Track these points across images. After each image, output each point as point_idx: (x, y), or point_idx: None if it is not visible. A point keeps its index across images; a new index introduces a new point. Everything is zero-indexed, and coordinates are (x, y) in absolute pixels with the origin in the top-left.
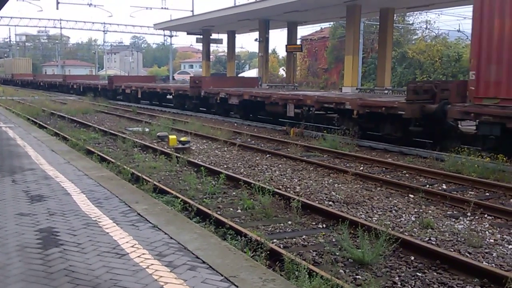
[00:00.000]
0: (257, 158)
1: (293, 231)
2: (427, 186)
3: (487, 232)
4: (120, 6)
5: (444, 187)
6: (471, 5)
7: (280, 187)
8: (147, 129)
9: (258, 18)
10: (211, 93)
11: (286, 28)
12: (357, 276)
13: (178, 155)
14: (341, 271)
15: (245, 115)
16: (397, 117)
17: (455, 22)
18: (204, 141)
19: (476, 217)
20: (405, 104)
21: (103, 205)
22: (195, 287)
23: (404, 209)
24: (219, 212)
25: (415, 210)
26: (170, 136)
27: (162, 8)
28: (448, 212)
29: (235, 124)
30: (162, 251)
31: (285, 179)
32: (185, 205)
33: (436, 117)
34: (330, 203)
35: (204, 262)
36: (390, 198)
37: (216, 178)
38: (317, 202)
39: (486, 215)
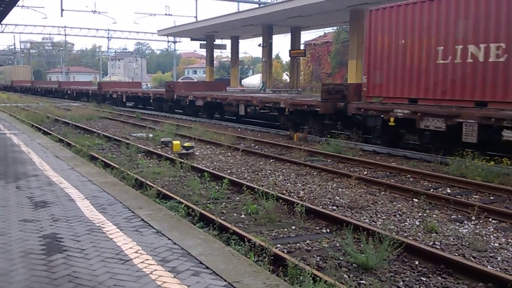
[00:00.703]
0: (261, 163)
1: (297, 236)
2: (431, 190)
3: (491, 236)
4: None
5: (449, 191)
6: None
7: (284, 192)
8: (151, 135)
9: (261, 24)
10: (182, 96)
11: (290, 33)
12: (361, 281)
13: (182, 160)
14: (345, 276)
15: (209, 114)
16: (315, 113)
17: None
18: (208, 146)
19: (481, 221)
20: (321, 103)
21: (107, 211)
22: None
23: (408, 213)
24: (222, 217)
25: (419, 214)
26: (174, 142)
27: (166, 14)
28: (453, 216)
29: (239, 129)
30: (166, 256)
31: (288, 184)
32: (189, 210)
33: (344, 112)
34: (334, 207)
35: (207, 268)
36: (394, 203)
37: (219, 183)
38: (321, 206)
39: (490, 219)
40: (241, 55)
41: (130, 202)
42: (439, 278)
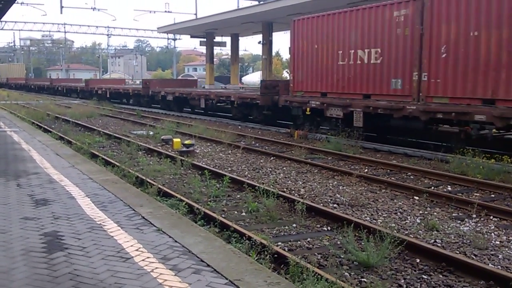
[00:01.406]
0: (261, 160)
1: (298, 233)
2: (432, 188)
3: (492, 234)
4: (123, 10)
5: (449, 188)
6: None
7: (285, 189)
8: (151, 133)
9: (261, 21)
10: (156, 92)
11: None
12: (363, 279)
13: (183, 158)
14: (346, 274)
15: (179, 108)
16: (257, 105)
17: None
18: (208, 144)
19: (482, 218)
20: (260, 96)
21: (108, 209)
22: None
23: (409, 211)
24: (223, 215)
25: (420, 212)
26: (174, 139)
27: (165, 11)
28: (454, 214)
29: (239, 127)
30: (167, 254)
31: (289, 182)
32: (190, 208)
33: (277, 104)
34: (335, 205)
35: (208, 266)
36: (395, 200)
37: (220, 181)
38: (321, 204)
39: (491, 217)
40: (241, 53)
41: (131, 200)
42: (440, 276)
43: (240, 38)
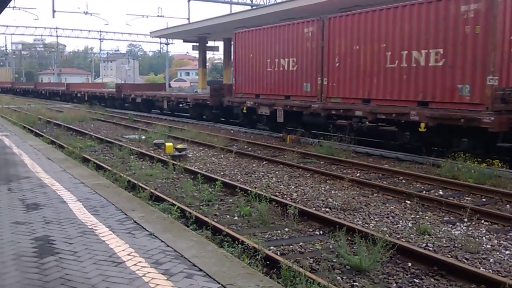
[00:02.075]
0: (254, 165)
1: (290, 238)
2: (424, 192)
3: (484, 237)
4: (116, 14)
5: (441, 193)
6: None
7: (277, 194)
8: (143, 137)
9: (254, 26)
10: (127, 95)
11: None
12: (355, 283)
13: (175, 162)
14: (338, 278)
15: (147, 109)
16: (207, 105)
17: None
18: (201, 148)
19: (473, 222)
20: (210, 97)
21: (100, 213)
22: None
23: (401, 215)
24: (216, 220)
25: (412, 216)
26: (167, 144)
27: (158, 16)
28: (445, 218)
29: (232, 132)
30: (159, 259)
31: (282, 186)
32: (182, 212)
33: (224, 105)
34: (327, 209)
35: (201, 270)
36: (387, 204)
37: (212, 185)
38: (314, 208)
39: (483, 221)
40: None
41: (122, 204)
42: (432, 280)
43: (233, 42)
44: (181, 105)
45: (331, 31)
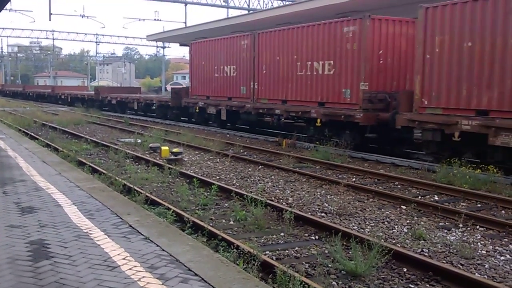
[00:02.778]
0: (250, 169)
1: (286, 242)
2: (419, 197)
3: (479, 243)
4: (112, 18)
5: (436, 198)
6: None
7: (273, 198)
8: (139, 140)
9: (250, 30)
10: (104, 97)
11: None
12: None
13: (170, 166)
14: (334, 283)
15: (122, 110)
16: (169, 106)
17: None
18: (197, 152)
19: (468, 228)
20: (171, 99)
21: (95, 217)
22: None
23: (397, 220)
24: (211, 224)
25: (408, 221)
26: (163, 147)
27: (155, 19)
28: (440, 224)
29: (228, 136)
30: (154, 263)
31: (277, 191)
32: (178, 216)
33: (182, 105)
34: (323, 214)
35: (196, 275)
36: (383, 210)
37: (208, 190)
38: (309, 213)
39: (478, 226)
40: None
41: (118, 208)
42: (427, 285)
43: None
44: (149, 106)
45: (260, 44)
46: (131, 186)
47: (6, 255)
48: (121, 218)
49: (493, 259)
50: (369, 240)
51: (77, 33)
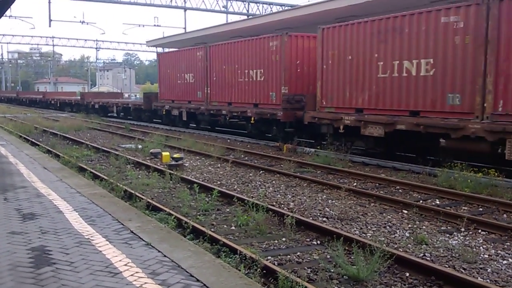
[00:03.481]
0: (251, 174)
1: (288, 247)
2: (421, 201)
3: (481, 247)
4: (112, 24)
5: (438, 202)
6: None
7: (274, 203)
8: (140, 146)
9: (250, 36)
10: (88, 102)
11: None
12: None
13: (171, 172)
14: None
15: (104, 114)
16: (141, 109)
17: None
18: (197, 157)
19: (470, 232)
20: (144, 103)
21: (96, 223)
22: None
23: (398, 224)
24: (213, 229)
25: (409, 225)
26: (163, 153)
27: (154, 25)
28: (442, 228)
29: (228, 141)
30: (156, 269)
31: (278, 196)
32: (179, 222)
33: (152, 108)
34: (324, 219)
35: (198, 280)
36: (384, 214)
37: (209, 195)
38: (311, 218)
39: (480, 230)
40: None
41: (119, 214)
42: None
43: None
44: (126, 110)
45: (212, 55)
46: (132, 192)
47: (7, 262)
48: (122, 224)
49: (495, 263)
50: (371, 245)
51: (77, 39)
